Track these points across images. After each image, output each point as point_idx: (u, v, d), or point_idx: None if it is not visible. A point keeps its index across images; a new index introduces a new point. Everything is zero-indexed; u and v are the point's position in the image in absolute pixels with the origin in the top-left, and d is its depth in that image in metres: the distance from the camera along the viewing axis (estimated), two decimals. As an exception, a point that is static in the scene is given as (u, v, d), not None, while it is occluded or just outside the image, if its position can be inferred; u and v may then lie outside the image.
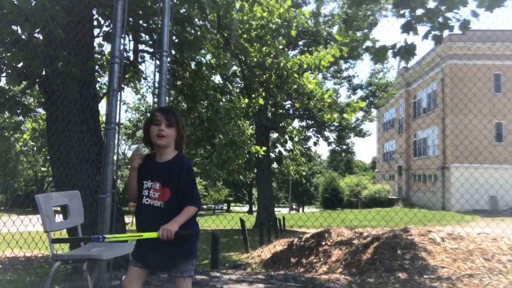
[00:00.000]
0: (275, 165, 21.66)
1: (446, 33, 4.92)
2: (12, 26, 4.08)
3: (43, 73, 4.74)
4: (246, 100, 8.23)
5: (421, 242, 5.63)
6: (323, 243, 6.75)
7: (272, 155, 19.77)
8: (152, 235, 2.07)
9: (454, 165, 23.12)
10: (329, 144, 21.64)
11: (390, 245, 5.62)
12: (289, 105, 17.17)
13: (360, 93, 23.72)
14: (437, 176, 26.50)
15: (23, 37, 4.63)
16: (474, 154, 16.26)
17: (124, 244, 4.03)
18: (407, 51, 4.47)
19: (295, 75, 8.67)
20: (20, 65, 4.61)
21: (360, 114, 23.37)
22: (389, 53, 4.61)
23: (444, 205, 23.90)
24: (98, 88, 6.42)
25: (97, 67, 5.71)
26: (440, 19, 4.66)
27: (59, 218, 4.11)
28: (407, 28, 4.63)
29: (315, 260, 6.36)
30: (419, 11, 4.87)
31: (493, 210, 21.52)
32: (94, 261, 3.22)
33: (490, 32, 18.05)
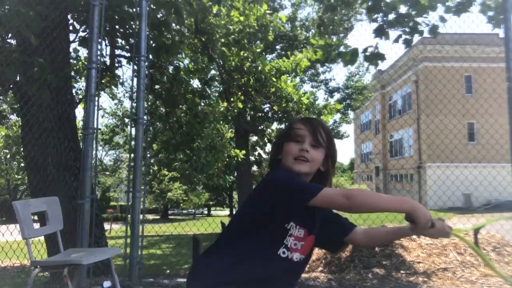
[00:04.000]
0: (255, 168, 21.71)
1: (416, 37, 5.13)
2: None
3: (17, 79, 4.68)
4: (225, 104, 8.29)
5: (398, 239, 5.80)
6: (303, 243, 6.85)
7: (252, 158, 19.83)
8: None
9: (428, 164, 23.76)
10: (308, 146, 21.82)
11: (368, 243, 5.77)
12: (267, 108, 17.31)
13: (337, 96, 24.12)
14: (412, 175, 27.14)
15: (-4, 43, 4.56)
16: (446, 152, 16.82)
17: (105, 249, 4.02)
18: (376, 57, 4.64)
19: (273, 78, 8.80)
20: (-7, 71, 4.54)
21: (337, 116, 23.75)
22: (360, 57, 4.77)
23: (420, 203, 24.46)
24: (75, 94, 6.36)
25: (73, 72, 5.66)
26: (411, 24, 4.85)
27: (36, 226, 4.05)
28: (380, 32, 4.81)
29: (295, 261, 6.45)
30: (391, 16, 5.06)
31: (467, 207, 22.18)
32: (74, 267, 3.21)
33: (458, 36, 18.70)
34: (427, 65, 24.29)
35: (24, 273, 5.47)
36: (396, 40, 4.79)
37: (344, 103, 23.60)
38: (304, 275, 5.19)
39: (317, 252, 6.36)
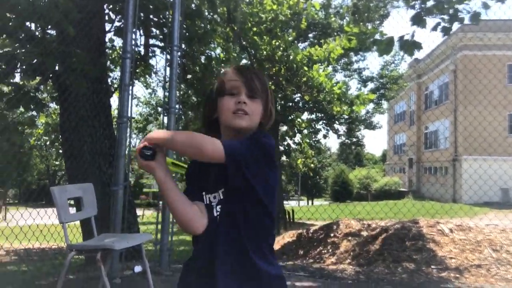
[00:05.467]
0: (284, 158, 21.65)
1: (456, 24, 4.91)
2: (27, 23, 4.19)
3: (56, 68, 4.85)
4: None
5: (429, 233, 5.66)
6: (332, 234, 6.82)
7: (281, 148, 19.80)
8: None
9: (465, 157, 22.94)
10: (339, 136, 21.54)
11: (398, 236, 5.67)
12: (298, 98, 17.15)
13: (370, 85, 23.56)
14: (447, 168, 26.31)
15: (37, 33, 4.73)
16: (483, 145, 16.17)
17: (137, 235, 4.14)
18: (412, 45, 4.47)
19: (305, 68, 8.68)
20: (34, 61, 4.72)
21: (370, 106, 23.22)
22: (396, 46, 4.61)
23: (455, 197, 23.76)
24: (110, 83, 6.53)
25: (108, 62, 5.81)
26: (450, 11, 4.64)
27: (72, 210, 4.22)
28: (417, 20, 4.62)
29: (323, 251, 6.43)
30: (430, 3, 4.86)
31: (505, 202, 21.34)
32: (107, 251, 3.33)
33: (501, 22, 17.76)
34: (467, 53, 23.27)
35: (61, 255, 5.73)
36: (434, 28, 4.59)
37: (378, 92, 23.05)
38: (331, 267, 5.17)
39: (345, 244, 6.31)
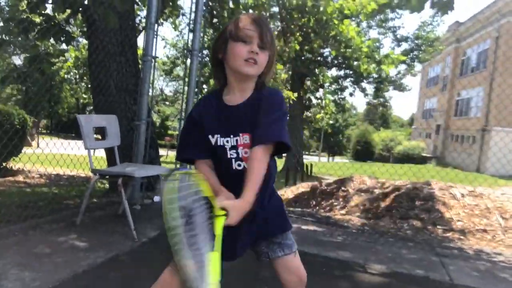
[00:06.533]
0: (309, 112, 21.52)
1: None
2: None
3: (86, 2, 4.92)
4: (281, 43, 8.13)
5: (441, 196, 5.72)
6: (345, 188, 6.97)
7: (307, 102, 19.63)
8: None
9: (495, 129, 22.27)
10: (366, 95, 21.16)
11: (409, 196, 5.76)
12: (327, 53, 16.76)
13: (404, 45, 22.67)
14: (475, 138, 25.67)
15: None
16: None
17: (156, 166, 4.38)
18: (444, 4, 4.26)
19: (335, 21, 8.42)
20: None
21: (402, 67, 22.50)
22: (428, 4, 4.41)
23: (479, 167, 23.37)
24: (138, 22, 6.58)
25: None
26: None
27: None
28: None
29: (334, 204, 6.62)
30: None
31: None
32: (128, 178, 3.58)
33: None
34: (512, 20, 21.88)
35: (88, 183, 6.13)
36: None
37: (411, 54, 22.21)
38: (339, 217, 5.36)
39: (356, 199, 6.46)
